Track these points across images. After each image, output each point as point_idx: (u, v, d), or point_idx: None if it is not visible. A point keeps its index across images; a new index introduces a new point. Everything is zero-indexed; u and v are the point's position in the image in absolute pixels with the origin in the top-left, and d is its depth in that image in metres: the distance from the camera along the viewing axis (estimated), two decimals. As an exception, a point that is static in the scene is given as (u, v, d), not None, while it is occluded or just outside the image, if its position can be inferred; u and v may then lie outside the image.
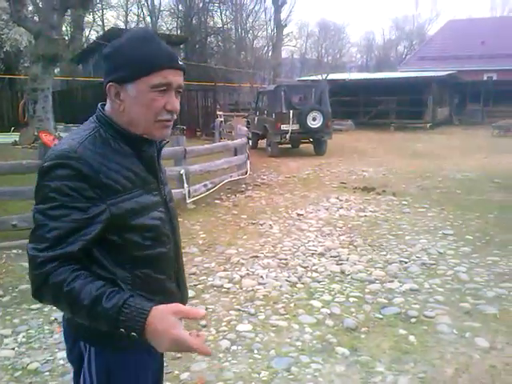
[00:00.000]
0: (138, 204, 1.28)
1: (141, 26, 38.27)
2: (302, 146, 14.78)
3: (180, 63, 1.29)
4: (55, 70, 17.70)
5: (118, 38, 1.32)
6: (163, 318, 1.10)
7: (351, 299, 3.99)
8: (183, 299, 1.46)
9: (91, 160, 1.20)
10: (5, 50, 20.43)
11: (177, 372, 2.94)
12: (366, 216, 6.76)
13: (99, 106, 1.35)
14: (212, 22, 40.42)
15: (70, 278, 1.13)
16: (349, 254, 5.10)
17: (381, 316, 3.66)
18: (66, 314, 1.34)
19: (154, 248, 1.32)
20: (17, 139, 13.51)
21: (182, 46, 30.71)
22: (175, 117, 1.32)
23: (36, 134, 12.21)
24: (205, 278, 4.51)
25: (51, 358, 3.12)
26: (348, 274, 4.54)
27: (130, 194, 1.26)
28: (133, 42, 1.28)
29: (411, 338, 3.32)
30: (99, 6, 34.93)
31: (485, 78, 26.60)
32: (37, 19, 14.09)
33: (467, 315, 3.66)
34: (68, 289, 1.12)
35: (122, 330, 1.10)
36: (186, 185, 7.18)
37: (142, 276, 1.29)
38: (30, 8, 15.45)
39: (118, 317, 1.10)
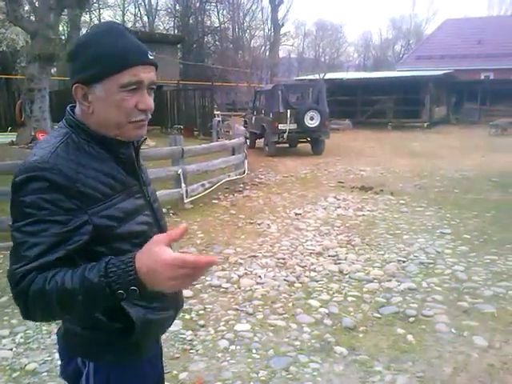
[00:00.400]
0: (121, 210, 1.20)
1: (138, 25, 38.28)
2: (299, 145, 14.77)
3: (151, 58, 1.20)
4: (52, 70, 17.63)
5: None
6: (149, 254, 1.00)
7: (349, 298, 3.99)
8: (179, 301, 1.43)
9: (65, 169, 1.11)
10: (1, 49, 20.33)
11: (175, 372, 2.94)
12: (363, 215, 6.76)
13: (68, 108, 1.25)
14: (209, 22, 40.58)
15: (49, 276, 1.05)
16: (347, 254, 5.11)
17: (379, 315, 3.67)
18: (63, 317, 1.26)
19: None
20: (14, 139, 13.45)
21: (179, 45, 30.68)
22: (150, 116, 1.23)
23: (33, 133, 12.19)
24: (203, 277, 4.50)
25: (49, 358, 3.11)
26: (346, 274, 4.54)
27: (111, 201, 1.18)
28: (98, 37, 1.18)
29: (409, 337, 3.32)
30: (96, 5, 34.87)
31: (482, 77, 26.60)
32: (33, 19, 14.02)
33: (465, 314, 3.67)
34: (49, 287, 1.04)
35: (119, 292, 1.01)
36: (183, 184, 7.18)
37: None
38: (27, 7, 15.38)
39: (107, 280, 1.01)
